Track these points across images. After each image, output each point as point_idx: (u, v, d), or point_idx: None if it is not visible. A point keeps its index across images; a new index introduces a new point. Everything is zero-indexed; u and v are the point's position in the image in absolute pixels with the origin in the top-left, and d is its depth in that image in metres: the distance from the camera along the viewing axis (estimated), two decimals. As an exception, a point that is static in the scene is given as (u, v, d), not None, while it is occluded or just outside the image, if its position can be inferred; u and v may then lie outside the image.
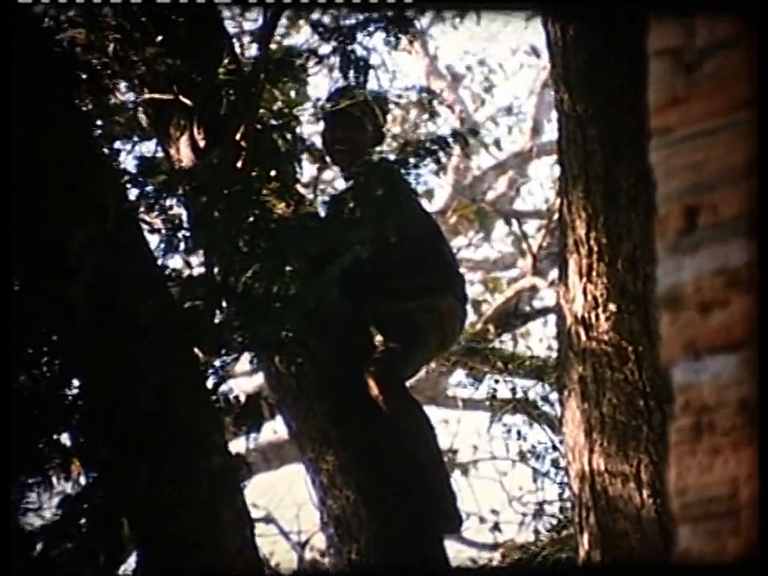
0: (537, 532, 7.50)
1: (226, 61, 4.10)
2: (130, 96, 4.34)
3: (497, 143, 10.51)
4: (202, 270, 4.13)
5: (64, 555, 3.79)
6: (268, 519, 8.62)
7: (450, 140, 4.72)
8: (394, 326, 4.72)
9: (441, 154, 4.72)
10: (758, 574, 1.86)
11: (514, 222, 9.75)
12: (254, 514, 4.28)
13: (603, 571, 3.58)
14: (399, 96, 5.07)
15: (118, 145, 4.26)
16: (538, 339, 9.33)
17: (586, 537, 4.07)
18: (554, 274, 8.40)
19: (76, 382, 3.95)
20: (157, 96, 4.25)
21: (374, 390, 4.57)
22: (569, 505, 5.93)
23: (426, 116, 5.48)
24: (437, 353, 5.00)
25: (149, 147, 4.45)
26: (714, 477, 2.01)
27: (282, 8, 4.16)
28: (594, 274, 4.18)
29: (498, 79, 11.07)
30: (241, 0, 4.09)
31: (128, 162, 4.30)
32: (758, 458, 1.91)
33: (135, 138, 4.34)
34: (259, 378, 6.62)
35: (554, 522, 6.93)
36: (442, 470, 4.61)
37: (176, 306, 3.98)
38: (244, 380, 7.96)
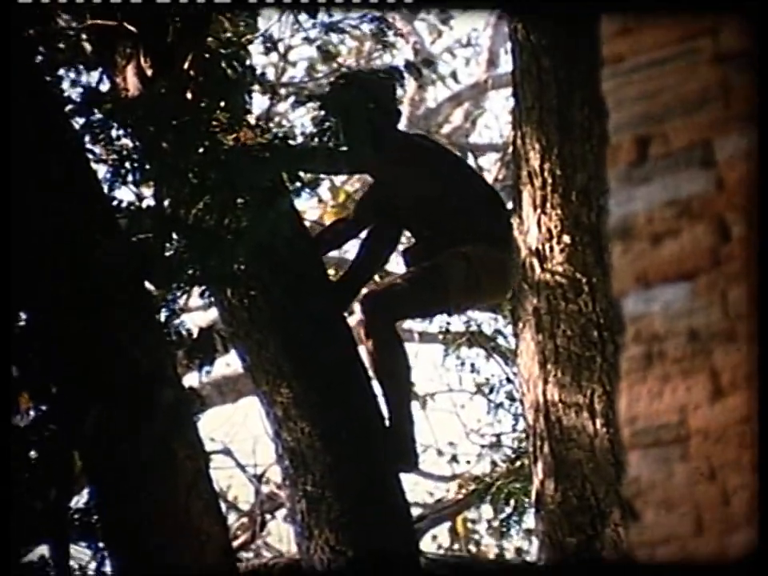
0: (494, 463, 7.55)
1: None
2: (73, 23, 4.27)
3: (454, 75, 10.45)
4: (152, 201, 4.09)
5: (14, 487, 3.78)
6: (224, 452, 8.63)
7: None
8: (416, 267, 4.73)
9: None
10: (757, 574, 1.87)
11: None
12: (211, 447, 4.29)
13: (603, 570, 3.61)
14: (353, 26, 5.01)
15: (61, 73, 4.19)
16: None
17: (540, 466, 4.10)
18: (509, 206, 8.39)
19: (23, 315, 3.92)
20: (101, 22, 4.18)
21: (358, 320, 4.58)
22: (524, 436, 5.97)
23: (380, 47, 5.43)
24: (473, 297, 4.88)
25: (93, 76, 4.38)
26: (663, 404, 2.02)
27: (282, 8, 4.11)
28: (548, 205, 4.17)
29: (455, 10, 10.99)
30: (241, 0, 4.03)
31: (72, 91, 4.23)
32: (758, 457, 1.91)
33: (79, 67, 4.27)
34: (212, 312, 6.59)
35: (510, 453, 6.98)
36: (405, 410, 4.61)
37: (125, 238, 3.94)
38: (198, 314, 7.93)
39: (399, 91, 4.88)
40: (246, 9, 4.24)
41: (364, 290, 4.82)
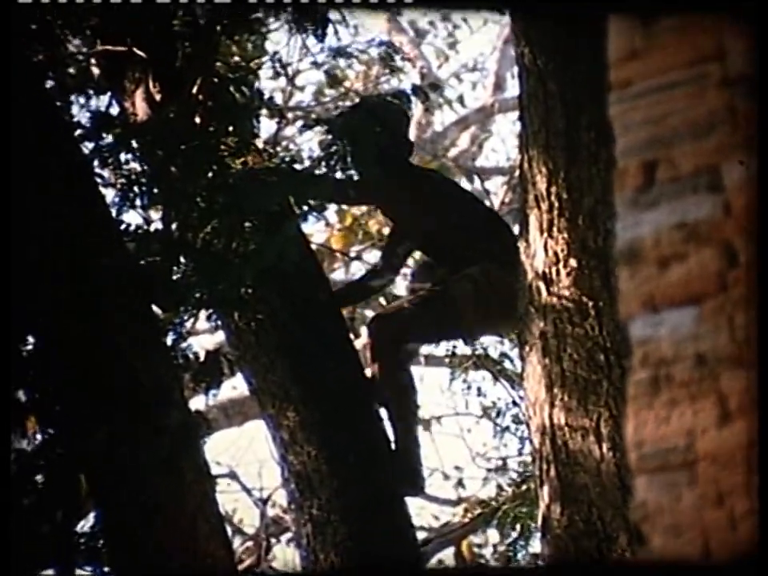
0: (500, 487, 7.53)
1: (180, 12, 4.05)
2: (83, 48, 4.29)
3: (460, 99, 10.48)
4: (160, 225, 4.10)
5: (21, 512, 3.77)
6: (230, 475, 8.62)
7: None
8: (424, 290, 4.73)
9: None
10: (757, 574, 1.87)
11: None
12: (216, 470, 4.29)
13: (603, 570, 3.60)
14: (361, 51, 5.03)
15: (71, 98, 4.21)
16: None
17: (546, 490, 4.10)
18: (516, 230, 8.39)
19: (32, 339, 3.93)
20: (110, 48, 4.20)
21: (365, 343, 4.58)
22: (530, 459, 5.96)
23: (387, 71, 5.45)
24: (484, 320, 4.83)
25: (103, 101, 4.40)
26: (670, 429, 2.02)
27: (282, 8, 4.13)
28: (555, 229, 4.18)
29: (461, 35, 11.03)
30: (240, 0, 4.04)
31: (82, 116, 4.25)
32: (759, 456, 1.91)
33: (89, 91, 4.29)
34: (219, 336, 6.60)
35: (516, 477, 6.97)
36: (411, 433, 4.61)
37: (133, 263, 3.95)
38: (205, 337, 7.94)
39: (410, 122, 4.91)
40: (246, 8, 4.24)
41: (371, 313, 4.82)
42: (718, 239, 2.06)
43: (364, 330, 4.77)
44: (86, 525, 3.95)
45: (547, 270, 4.20)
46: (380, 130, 4.48)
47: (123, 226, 4.04)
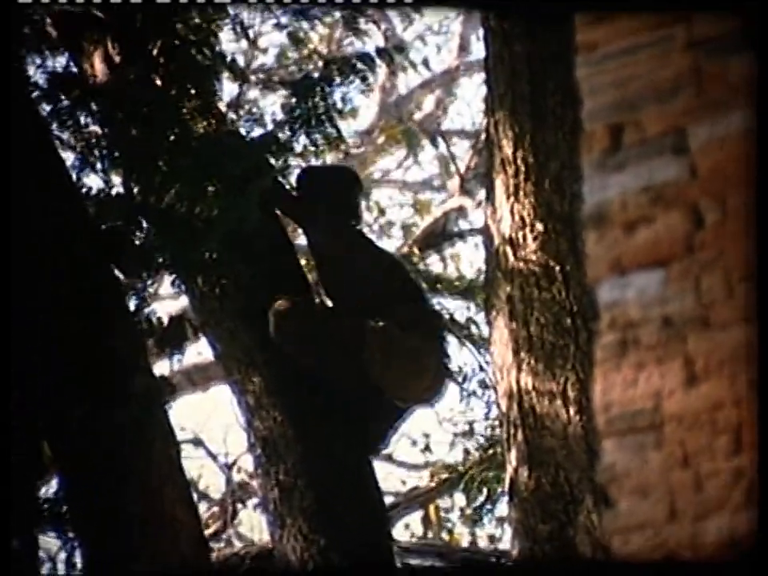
0: (466, 451, 7.55)
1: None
2: (39, 7, 4.22)
3: (425, 62, 10.43)
4: (121, 189, 4.06)
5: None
6: (195, 441, 8.60)
7: (376, 57, 4.67)
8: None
9: (367, 72, 4.67)
10: (756, 574, 1.87)
11: (442, 142, 9.72)
12: (181, 436, 4.27)
13: (603, 569, 3.60)
14: (324, 13, 4.99)
15: (27, 58, 4.15)
16: (468, 262, 9.35)
17: (513, 454, 4.11)
18: (482, 194, 8.39)
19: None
20: (68, 8, 4.15)
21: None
22: (496, 424, 5.98)
23: (351, 34, 5.41)
24: (390, 374, 4.65)
25: (60, 62, 4.33)
26: (637, 391, 2.02)
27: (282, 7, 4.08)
28: (521, 193, 4.17)
29: (425, -3, 10.96)
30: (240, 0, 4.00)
31: (38, 76, 4.19)
32: (759, 457, 1.91)
33: (45, 52, 4.22)
34: (183, 300, 6.57)
35: (483, 441, 6.98)
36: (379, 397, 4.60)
37: (94, 226, 3.91)
38: (168, 302, 7.90)
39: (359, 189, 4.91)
40: (247, 7, 4.20)
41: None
42: (685, 202, 2.06)
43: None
44: (49, 490, 3.93)
45: (514, 235, 4.20)
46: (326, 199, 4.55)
47: (84, 190, 4.00)
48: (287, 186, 4.75)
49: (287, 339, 4.44)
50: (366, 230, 9.09)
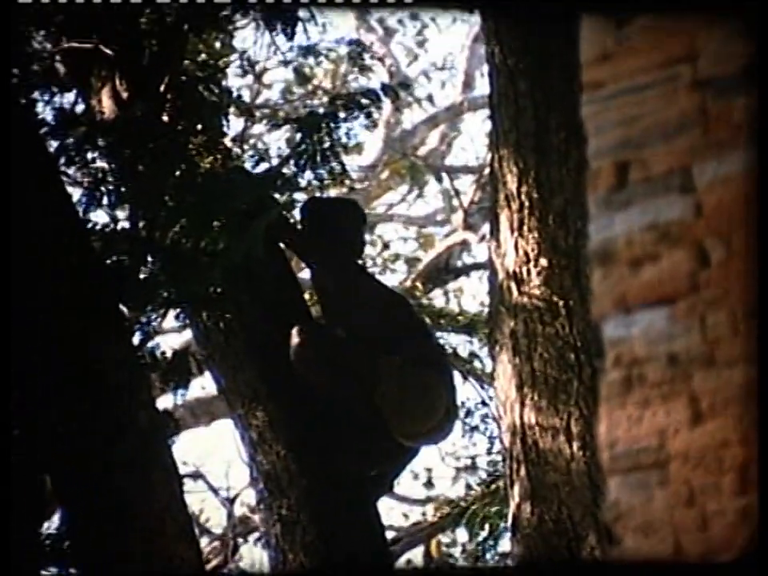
0: (468, 486, 7.53)
1: (148, 10, 4.02)
2: (48, 44, 4.25)
3: (429, 98, 10.47)
4: (127, 224, 4.07)
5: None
6: (196, 475, 8.59)
7: (381, 93, 4.69)
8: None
9: (372, 107, 4.70)
10: (757, 574, 1.87)
11: (446, 177, 9.74)
12: (183, 470, 4.25)
13: (604, 569, 3.59)
14: (329, 49, 5.02)
15: (35, 95, 4.16)
16: (471, 296, 9.36)
17: (516, 489, 4.10)
18: (485, 229, 8.40)
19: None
20: (76, 45, 4.17)
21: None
22: (499, 459, 5.96)
23: (356, 70, 5.44)
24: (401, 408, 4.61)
25: (68, 98, 4.35)
26: (642, 429, 2.02)
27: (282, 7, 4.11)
28: (526, 228, 4.18)
29: (430, 33, 11.02)
30: (241, 0, 4.02)
31: (47, 113, 4.21)
32: (759, 455, 1.91)
33: (54, 89, 4.24)
34: (187, 335, 6.58)
35: (485, 476, 6.97)
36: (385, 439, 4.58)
37: (100, 261, 3.92)
38: (172, 336, 7.91)
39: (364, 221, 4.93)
40: (247, 8, 4.21)
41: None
42: (690, 240, 2.06)
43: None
44: (51, 526, 3.92)
45: (518, 270, 4.20)
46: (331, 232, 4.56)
47: (90, 225, 4.01)
48: (291, 220, 4.76)
49: (307, 364, 4.43)
50: (369, 263, 9.11)
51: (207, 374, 4.96)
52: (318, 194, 4.84)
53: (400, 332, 4.66)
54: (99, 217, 4.09)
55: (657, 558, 1.99)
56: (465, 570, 6.10)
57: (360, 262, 4.98)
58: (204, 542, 8.17)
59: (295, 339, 4.43)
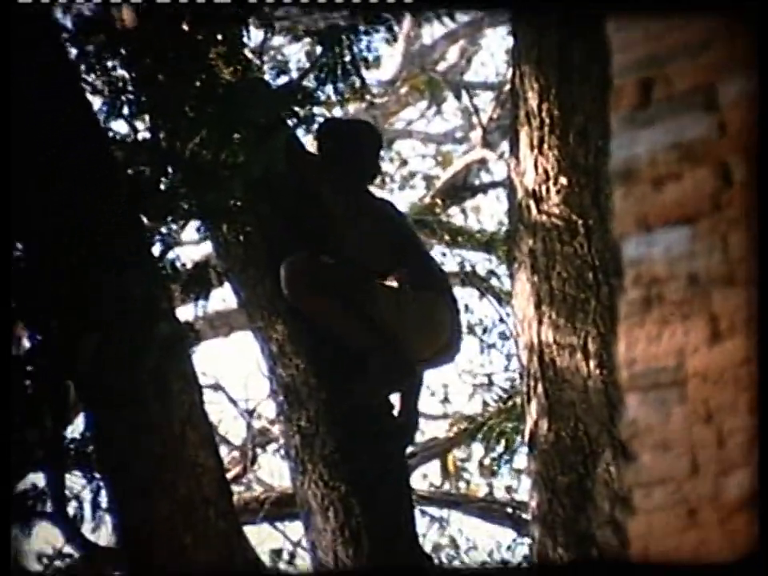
0: (485, 403, 7.58)
1: None
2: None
3: (450, 12, 10.36)
4: (147, 135, 4.06)
5: (9, 417, 3.79)
6: (216, 387, 8.65)
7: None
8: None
9: (392, 21, 4.66)
10: (758, 574, 1.89)
11: (465, 93, 9.67)
12: (202, 381, 4.28)
13: (604, 570, 3.62)
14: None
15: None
16: (489, 214, 9.35)
17: (533, 407, 4.12)
18: (504, 146, 8.36)
19: (20, 246, 3.91)
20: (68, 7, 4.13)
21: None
22: (516, 376, 6.00)
23: (378, -18, 5.39)
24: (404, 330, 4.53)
25: (88, 6, 4.31)
26: (661, 348, 2.03)
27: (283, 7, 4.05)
28: (546, 146, 4.16)
29: (451, -54, 10.87)
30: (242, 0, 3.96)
31: (66, 20, 4.17)
32: (759, 458, 1.92)
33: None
34: (207, 247, 6.59)
35: (502, 393, 7.01)
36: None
37: (120, 171, 3.92)
38: (192, 248, 7.92)
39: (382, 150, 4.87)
40: (248, 8, 4.17)
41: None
42: (713, 158, 2.05)
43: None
44: (75, 431, 3.97)
45: (537, 188, 4.19)
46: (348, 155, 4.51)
47: (111, 135, 4.00)
48: (301, 141, 4.73)
49: (299, 295, 4.41)
50: (387, 180, 9.09)
51: (227, 286, 4.97)
52: (337, 109, 4.81)
53: (402, 255, 4.64)
54: (120, 127, 4.08)
55: (673, 475, 2.01)
56: (469, 570, 6.16)
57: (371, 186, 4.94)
58: (223, 451, 8.24)
59: (286, 271, 4.41)
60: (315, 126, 4.68)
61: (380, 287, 4.51)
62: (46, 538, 6.71)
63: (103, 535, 4.07)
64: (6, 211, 3.65)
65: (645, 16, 2.13)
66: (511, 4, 3.77)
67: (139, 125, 4.15)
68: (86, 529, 4.03)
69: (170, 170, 4.02)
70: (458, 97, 9.89)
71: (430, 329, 4.57)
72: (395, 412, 4.59)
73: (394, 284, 4.53)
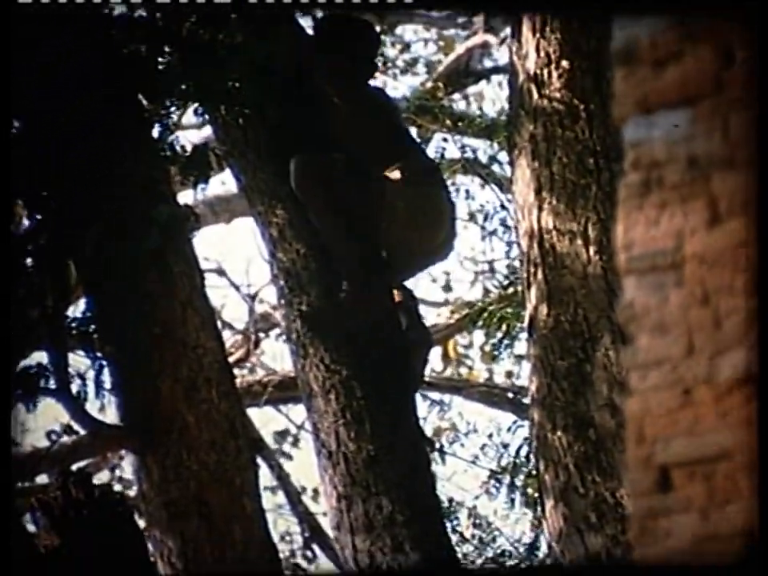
0: (486, 290, 7.61)
1: None
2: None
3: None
4: (144, 13, 4.01)
5: (12, 293, 3.81)
6: (218, 271, 8.68)
7: None
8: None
9: None
10: (758, 574, 1.89)
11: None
12: (204, 266, 4.29)
13: (606, 570, 3.64)
14: None
15: None
16: (491, 100, 9.28)
17: (533, 292, 4.14)
18: (506, 32, 8.28)
19: (21, 125, 3.90)
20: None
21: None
22: (517, 263, 6.01)
23: None
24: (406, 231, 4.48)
25: None
26: (660, 230, 2.03)
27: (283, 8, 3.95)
28: (548, 29, 4.12)
29: None
30: (243, 1, 3.86)
31: None
32: (759, 457, 1.92)
33: None
34: (207, 131, 6.56)
35: (503, 279, 7.03)
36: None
37: (117, 50, 3.88)
38: (192, 132, 7.88)
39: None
40: (247, 8, 4.08)
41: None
42: (715, 38, 2.03)
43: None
44: (76, 311, 3.99)
45: (539, 72, 4.16)
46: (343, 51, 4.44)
47: (106, 12, 3.95)
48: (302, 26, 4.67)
49: (308, 192, 4.40)
50: (389, 65, 9.00)
51: (227, 170, 4.95)
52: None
53: (401, 146, 4.60)
54: (116, 5, 4.01)
55: (669, 357, 2.02)
56: (476, 571, 6.21)
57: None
58: (226, 335, 8.30)
59: (293, 169, 4.40)
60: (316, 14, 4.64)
61: (388, 183, 4.49)
62: (55, 416, 6.82)
63: (109, 414, 4.12)
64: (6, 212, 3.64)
65: None
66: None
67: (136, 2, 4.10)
68: (92, 408, 4.09)
69: (166, 48, 3.98)
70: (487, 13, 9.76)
71: (432, 222, 4.56)
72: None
73: (397, 176, 4.51)
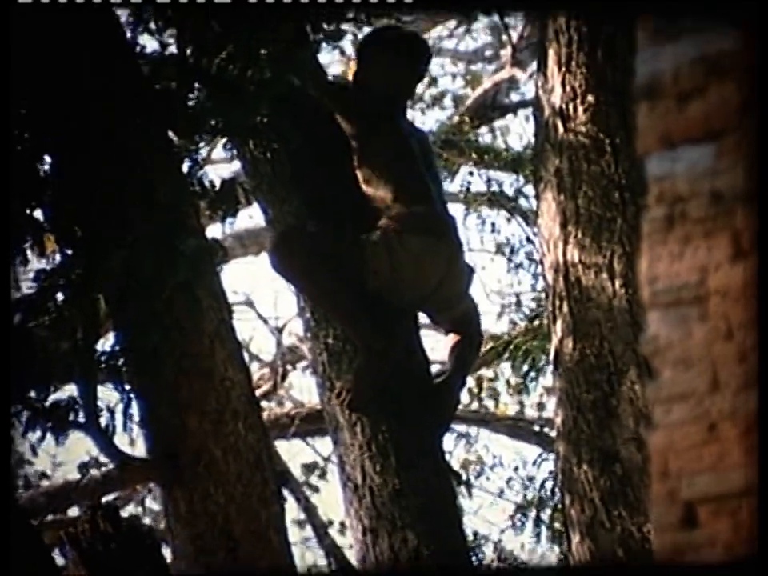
0: (513, 322, 7.60)
1: None
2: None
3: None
4: (174, 50, 4.05)
5: (41, 328, 3.83)
6: (247, 304, 8.71)
7: None
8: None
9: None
10: (758, 574, 1.89)
11: (495, 12, 9.58)
12: (233, 299, 4.30)
13: (607, 571, 3.64)
14: None
15: None
16: (517, 134, 9.31)
17: (559, 326, 4.14)
18: (534, 66, 8.31)
19: (49, 159, 3.93)
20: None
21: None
22: (542, 296, 6.01)
23: None
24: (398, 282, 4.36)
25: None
26: (684, 265, 2.03)
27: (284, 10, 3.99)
28: (574, 64, 4.14)
29: None
30: (244, 1, 3.91)
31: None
32: (759, 457, 1.92)
33: None
34: (236, 165, 6.60)
35: (529, 312, 7.03)
36: None
37: (148, 86, 3.92)
38: (221, 166, 7.94)
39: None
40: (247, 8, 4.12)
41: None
42: (739, 73, 2.04)
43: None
44: (106, 344, 4.01)
45: (564, 106, 4.18)
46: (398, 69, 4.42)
47: (138, 49, 3.99)
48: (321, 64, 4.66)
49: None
50: (416, 99, 9.04)
51: (255, 204, 4.98)
52: (365, 28, 4.76)
53: (421, 193, 4.46)
54: (147, 42, 4.07)
55: (694, 391, 2.02)
56: (486, 571, 6.20)
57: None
58: (254, 368, 8.32)
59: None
60: (341, 43, 4.65)
61: (368, 243, 4.34)
62: (87, 448, 6.85)
63: (137, 447, 4.15)
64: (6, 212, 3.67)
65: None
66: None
67: (167, 40, 4.14)
68: (121, 441, 4.11)
69: (196, 85, 4.02)
70: (488, 14, 9.79)
71: (420, 274, 4.40)
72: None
73: (378, 232, 4.38)
